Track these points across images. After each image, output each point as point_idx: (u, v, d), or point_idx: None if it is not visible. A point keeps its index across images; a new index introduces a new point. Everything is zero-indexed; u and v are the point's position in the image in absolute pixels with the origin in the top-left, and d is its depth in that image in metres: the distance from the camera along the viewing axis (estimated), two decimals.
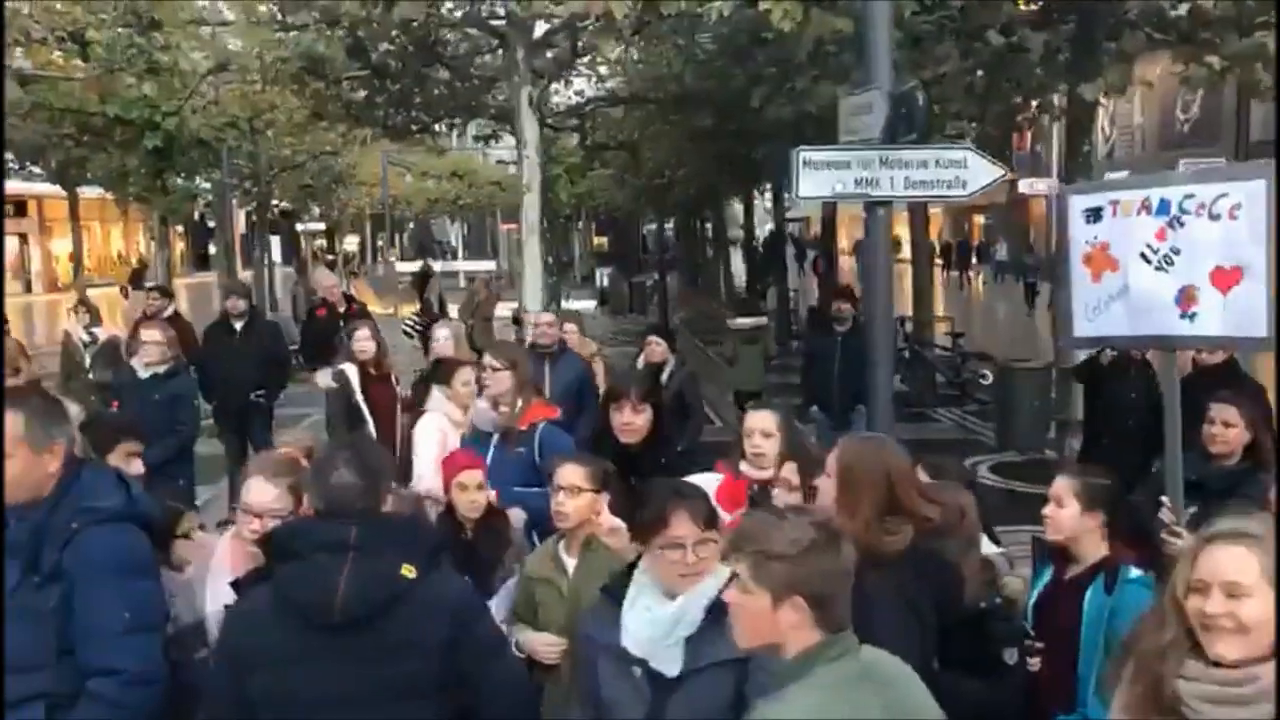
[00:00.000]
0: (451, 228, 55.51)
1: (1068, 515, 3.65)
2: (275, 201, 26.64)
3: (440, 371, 5.89)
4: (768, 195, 29.40)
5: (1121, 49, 10.16)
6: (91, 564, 2.92)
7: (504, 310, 16.53)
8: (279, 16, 10.88)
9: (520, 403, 5.17)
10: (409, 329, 15.00)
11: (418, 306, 17.07)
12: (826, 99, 11.55)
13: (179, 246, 41.04)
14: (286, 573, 2.76)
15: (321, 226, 43.48)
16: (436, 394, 5.67)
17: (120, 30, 12.58)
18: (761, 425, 4.42)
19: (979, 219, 42.78)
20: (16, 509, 3.00)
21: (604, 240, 45.35)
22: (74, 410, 3.67)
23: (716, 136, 16.29)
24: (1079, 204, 4.16)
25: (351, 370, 7.13)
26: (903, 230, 51.47)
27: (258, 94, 15.27)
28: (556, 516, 3.74)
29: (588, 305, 26.03)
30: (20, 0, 11.44)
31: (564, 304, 19.73)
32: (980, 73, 11.43)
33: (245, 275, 21.85)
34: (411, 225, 55.76)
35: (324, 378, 7.22)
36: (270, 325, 10.05)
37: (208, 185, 20.03)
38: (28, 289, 37.21)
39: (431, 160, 35.18)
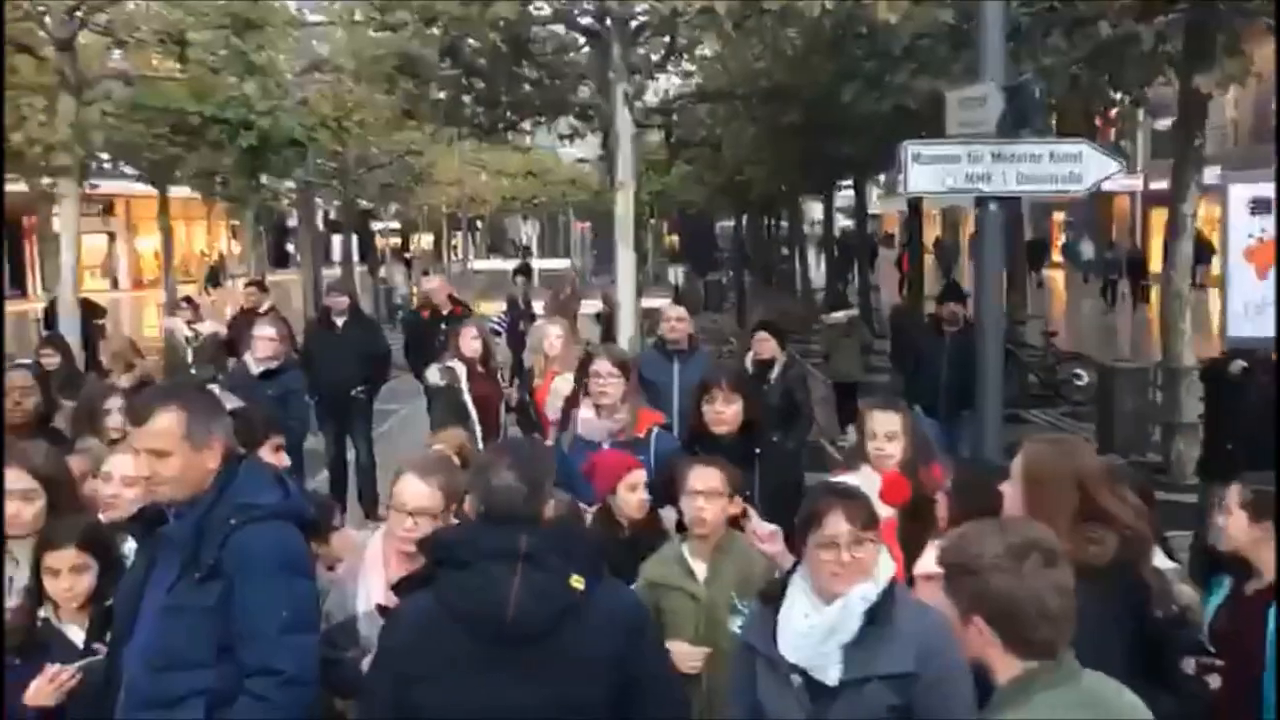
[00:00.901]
0: (524, 226, 55.83)
1: (1237, 524, 3.49)
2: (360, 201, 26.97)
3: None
4: (841, 192, 29.11)
5: (1235, 38, 9.81)
6: (250, 562, 2.89)
7: (588, 308, 16.50)
8: (376, 16, 10.92)
9: (631, 407, 5.06)
10: (496, 326, 15.03)
11: (502, 304, 17.07)
12: (924, 93, 11.35)
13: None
14: (452, 581, 2.68)
15: (396, 225, 43.93)
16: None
17: (216, 31, 12.74)
18: (886, 427, 4.30)
19: (1058, 216, 41.87)
20: (178, 506, 3.00)
21: (674, 239, 45.24)
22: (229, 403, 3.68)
23: (801, 132, 16.10)
24: (1242, 194, 3.97)
25: (460, 368, 7.13)
26: None
27: (348, 93, 15.40)
28: (695, 522, 3.64)
29: (661, 302, 25.90)
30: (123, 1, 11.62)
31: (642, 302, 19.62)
32: (1077, 66, 11.16)
33: (328, 274, 22.13)
34: (480, 224, 56.17)
35: (433, 374, 7.22)
36: (370, 322, 10.12)
37: (290, 184, 20.30)
38: (114, 286, 38.27)
39: (506, 159, 35.43)
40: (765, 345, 7.51)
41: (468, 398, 7.06)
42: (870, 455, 4.21)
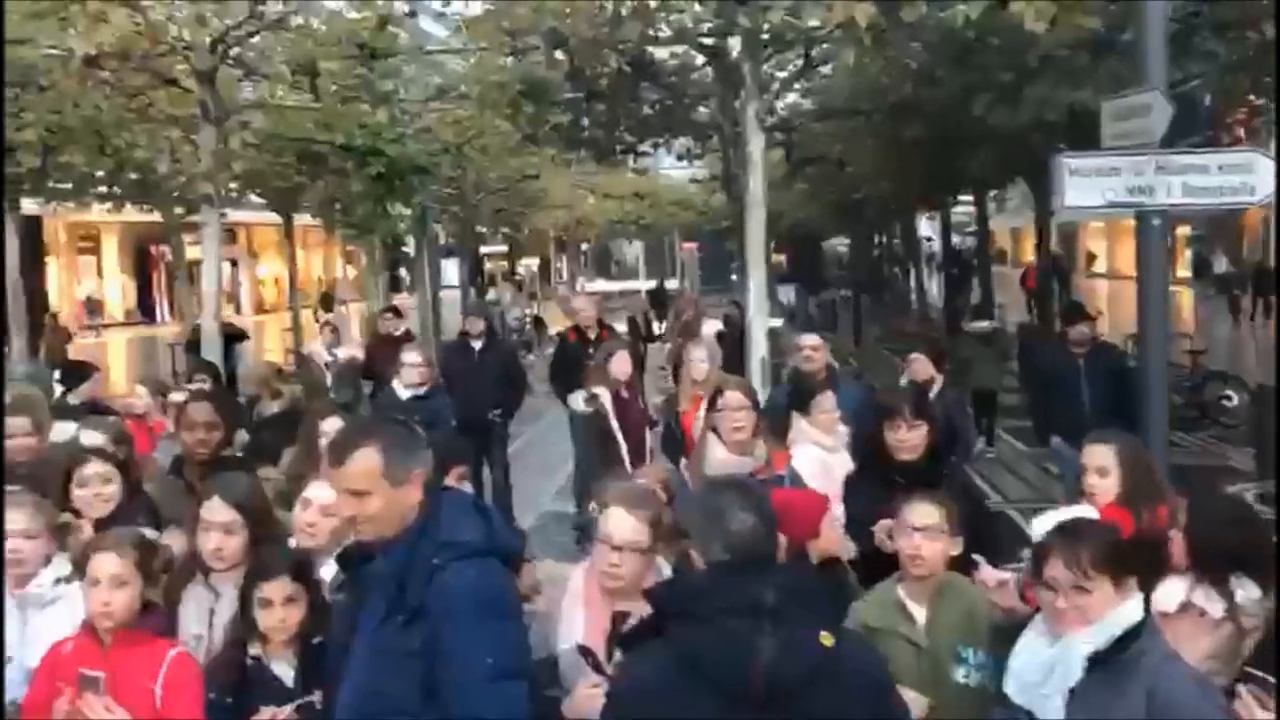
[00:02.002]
0: (629, 248, 56.09)
1: None
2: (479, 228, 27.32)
3: (798, 399, 5.53)
4: (956, 208, 28.52)
5: None
6: (454, 604, 2.76)
7: (708, 328, 16.32)
8: (508, 40, 10.97)
9: (765, 443, 4.82)
10: None
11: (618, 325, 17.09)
12: (1064, 104, 10.99)
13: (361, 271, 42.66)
14: (691, 636, 2.47)
15: (504, 249, 44.46)
16: (800, 423, 5.32)
17: (344, 61, 12.97)
18: (1096, 461, 4.05)
19: (1183, 230, 40.35)
20: (382, 543, 2.90)
21: (782, 258, 44.97)
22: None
23: (925, 147, 15.78)
24: None
25: (605, 395, 7.03)
26: (1097, 244, 49.05)
27: (469, 119, 15.57)
28: (912, 561, 3.45)
29: (775, 323, 25.64)
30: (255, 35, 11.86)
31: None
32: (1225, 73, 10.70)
33: (446, 298, 22.39)
34: (585, 247, 56.55)
35: (577, 402, 7.13)
36: (508, 345, 10.13)
37: (408, 210, 20.57)
38: (237, 311, 39.49)
39: (614, 181, 35.59)
40: (920, 367, 7.25)
41: (614, 423, 6.95)
42: (1084, 490, 3.97)
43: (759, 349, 10.72)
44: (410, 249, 23.23)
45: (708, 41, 12.36)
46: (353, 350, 10.61)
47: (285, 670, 3.18)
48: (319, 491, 3.66)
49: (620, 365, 7.09)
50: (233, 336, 12.65)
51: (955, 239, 35.09)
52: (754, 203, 10.54)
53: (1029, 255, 50.84)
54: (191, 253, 21.64)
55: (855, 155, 18.13)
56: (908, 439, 4.36)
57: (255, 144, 13.08)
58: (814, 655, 2.43)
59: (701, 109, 15.07)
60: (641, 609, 3.04)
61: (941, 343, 11.60)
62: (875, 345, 23.30)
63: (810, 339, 7.00)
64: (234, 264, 40.03)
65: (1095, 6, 9.72)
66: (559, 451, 11.11)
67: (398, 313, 11.31)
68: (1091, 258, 46.98)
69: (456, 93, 13.23)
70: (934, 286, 32.54)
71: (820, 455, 5.12)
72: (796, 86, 13.87)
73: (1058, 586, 2.78)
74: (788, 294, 32.58)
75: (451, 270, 32.30)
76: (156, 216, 21.26)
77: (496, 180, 22.15)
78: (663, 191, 40.29)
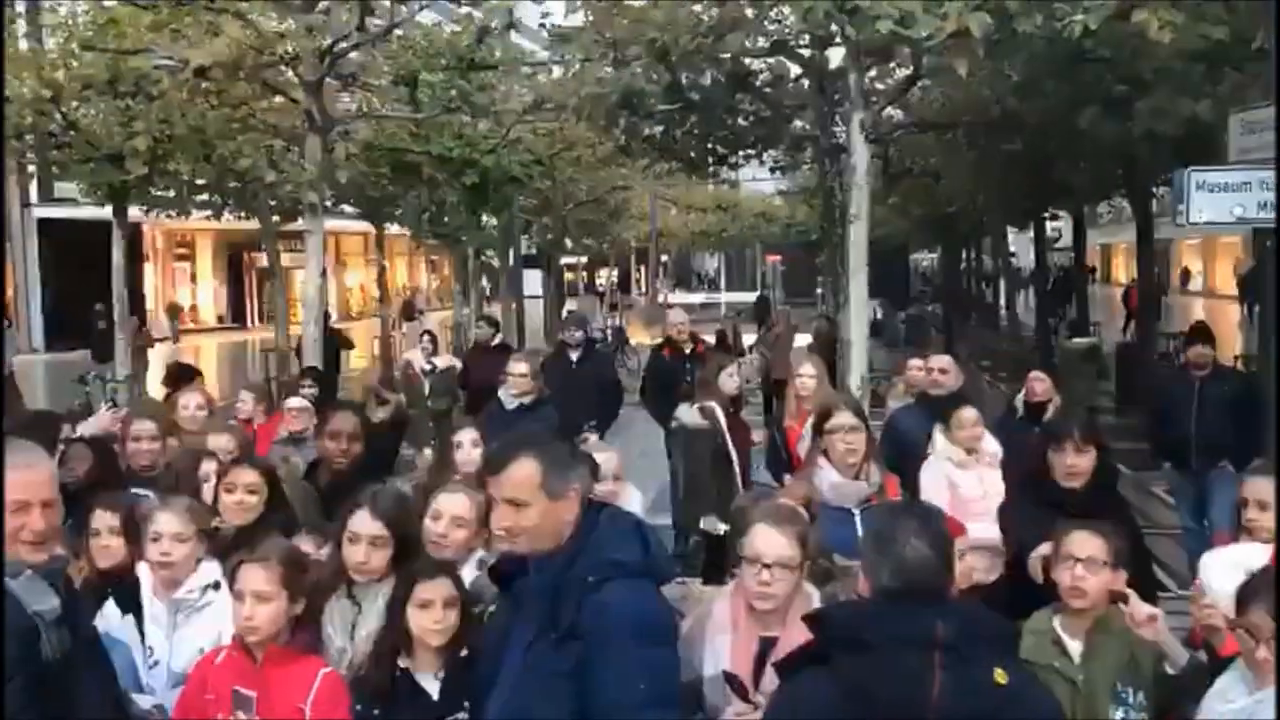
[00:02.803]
0: (710, 260, 56.04)
1: None
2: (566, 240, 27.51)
3: (938, 415, 5.37)
4: (1049, 224, 27.89)
5: None
6: (609, 626, 2.68)
7: (799, 341, 16.16)
8: (611, 52, 10.96)
9: (879, 465, 4.63)
10: None
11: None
12: (1182, 116, 10.65)
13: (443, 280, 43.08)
14: (857, 667, 2.37)
15: (584, 259, 44.65)
16: (939, 439, 5.17)
17: (444, 72, 13.11)
18: (1257, 494, 3.84)
19: None
20: (538, 558, 2.83)
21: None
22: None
23: (1025, 161, 15.44)
24: None
25: (717, 408, 6.92)
26: (1192, 261, 47.60)
27: (561, 130, 15.64)
28: (1071, 593, 3.29)
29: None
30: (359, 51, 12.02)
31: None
32: None
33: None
34: (665, 258, 56.61)
35: (689, 415, 7.00)
36: (604, 356, 10.08)
37: (494, 220, 20.80)
38: (325, 319, 40.14)
39: (696, 193, 35.59)
40: (1039, 385, 7.03)
41: (728, 437, 6.83)
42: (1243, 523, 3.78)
43: (859, 365, 10.52)
44: (494, 258, 23.42)
45: (806, 53, 12.24)
46: (451, 359, 10.64)
47: (432, 684, 3.13)
48: (450, 502, 3.63)
49: (730, 380, 6.98)
50: (340, 343, 12.79)
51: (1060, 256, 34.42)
52: (858, 216, 10.38)
53: (1119, 272, 49.60)
54: (283, 260, 22.06)
55: (951, 168, 17.84)
56: (1077, 464, 4.15)
57: (356, 154, 13.25)
58: (988, 692, 2.32)
59: (797, 121, 14.94)
60: (790, 635, 2.96)
61: (1037, 359, 11.33)
62: (965, 362, 22.87)
63: (939, 361, 6.69)
64: (323, 271, 40.82)
65: (1218, 16, 9.40)
66: (649, 464, 11.00)
67: (491, 322, 11.32)
68: (1187, 275, 45.77)
69: (551, 105, 13.26)
70: (1022, 303, 31.92)
71: (948, 471, 4.95)
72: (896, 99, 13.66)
73: (1259, 635, 2.63)
74: (873, 308, 32.17)
75: (533, 280, 32.54)
76: (252, 224, 21.74)
77: (585, 191, 22.28)
78: (745, 203, 40.20)
